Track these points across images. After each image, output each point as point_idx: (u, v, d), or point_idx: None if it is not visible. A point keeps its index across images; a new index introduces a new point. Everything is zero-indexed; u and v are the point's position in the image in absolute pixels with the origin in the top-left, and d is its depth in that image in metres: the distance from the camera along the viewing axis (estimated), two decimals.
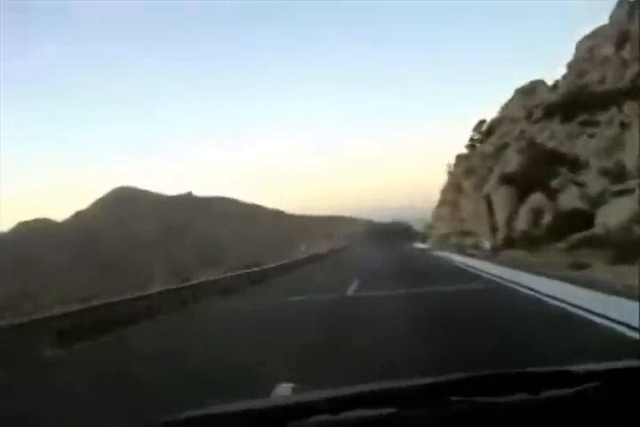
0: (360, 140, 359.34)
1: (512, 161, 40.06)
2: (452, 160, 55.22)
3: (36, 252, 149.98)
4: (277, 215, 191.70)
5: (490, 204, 35.09)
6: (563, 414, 1.27)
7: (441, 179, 68.06)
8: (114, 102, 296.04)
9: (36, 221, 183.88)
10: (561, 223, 27.24)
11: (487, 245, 28.74)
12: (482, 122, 53.08)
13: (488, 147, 46.44)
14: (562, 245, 22.87)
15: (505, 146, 43.89)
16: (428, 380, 1.41)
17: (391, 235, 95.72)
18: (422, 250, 44.06)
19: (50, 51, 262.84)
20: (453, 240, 40.42)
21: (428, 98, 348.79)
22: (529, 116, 46.86)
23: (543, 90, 50.62)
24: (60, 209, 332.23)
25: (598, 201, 28.74)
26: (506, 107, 51.80)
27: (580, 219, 26.75)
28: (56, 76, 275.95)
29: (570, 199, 29.92)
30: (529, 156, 39.18)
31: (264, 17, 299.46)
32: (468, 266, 22.97)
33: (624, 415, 1.26)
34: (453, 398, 1.27)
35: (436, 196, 61.56)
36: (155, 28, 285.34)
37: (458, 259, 27.73)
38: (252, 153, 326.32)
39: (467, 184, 42.90)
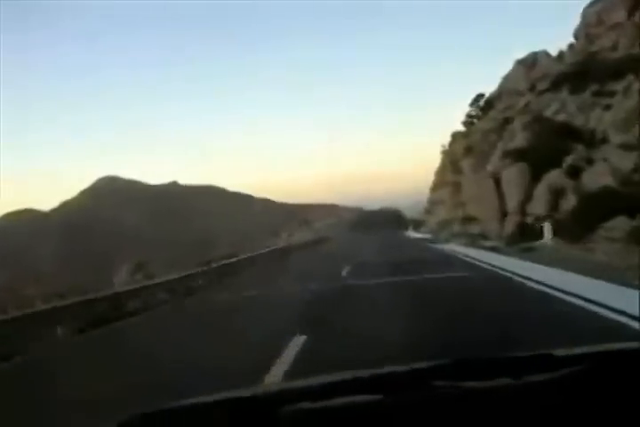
0: (349, 126, 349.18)
1: (518, 137, 34.58)
2: (446, 140, 49.95)
3: (22, 242, 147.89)
4: (265, 204, 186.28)
5: (498, 184, 29.46)
6: (546, 398, 1.25)
7: (434, 161, 62.89)
8: (99, 92, 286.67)
9: (23, 211, 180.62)
10: (590, 206, 21.66)
11: (549, 234, 20.22)
12: (480, 96, 47.41)
13: (489, 122, 40.86)
14: (610, 234, 17.29)
15: (508, 120, 38.37)
16: (413, 366, 1.41)
17: (380, 222, 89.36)
18: (420, 241, 35.32)
19: (34, 41, 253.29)
20: (456, 228, 34.59)
21: (418, 76, 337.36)
22: (532, 89, 41.28)
23: (546, 60, 45.05)
24: (47, 199, 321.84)
25: (631, 179, 23.28)
26: (505, 80, 46.16)
27: (614, 200, 21.21)
28: (43, 67, 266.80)
29: (597, 177, 24.38)
30: (536, 130, 33.73)
31: (258, 12, 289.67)
32: (520, 275, 12.84)
33: (608, 398, 1.24)
34: (438, 383, 1.27)
35: (429, 181, 55.95)
36: (141, 19, 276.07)
37: (480, 257, 18.28)
38: (238, 140, 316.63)
39: (466, 164, 37.40)
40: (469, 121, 47.15)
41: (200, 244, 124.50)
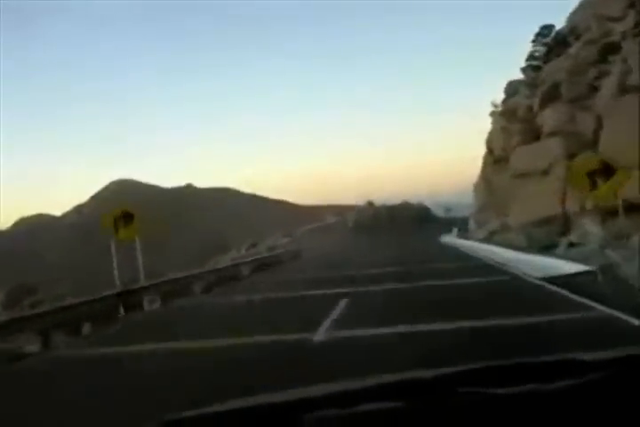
0: (369, 111, 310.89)
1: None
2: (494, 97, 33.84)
3: (36, 247, 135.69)
4: (279, 205, 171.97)
5: None
6: (573, 403, 1.17)
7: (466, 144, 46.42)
8: (111, 93, 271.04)
9: (36, 216, 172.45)
10: None
11: None
12: (546, 28, 31.17)
13: (573, 58, 25.05)
14: None
15: (610, 49, 22.65)
16: (437, 371, 1.33)
17: (397, 223, 63.50)
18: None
19: (45, 43, 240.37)
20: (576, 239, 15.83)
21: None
22: (633, 6, 25.48)
23: None
24: (60, 204, 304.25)
25: None
26: (584, 7, 30.27)
27: None
28: (53, 70, 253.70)
29: None
30: None
31: (270, 16, 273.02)
32: None
33: (636, 404, 1.16)
34: (463, 389, 1.20)
35: (459, 177, 38.09)
36: (153, 22, 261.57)
37: None
38: (254, 140, 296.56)
39: (552, 115, 21.72)
40: (535, 65, 31.16)
41: (203, 250, 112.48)
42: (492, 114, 31.12)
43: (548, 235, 18.03)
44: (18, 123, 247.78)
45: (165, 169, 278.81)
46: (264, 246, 38.64)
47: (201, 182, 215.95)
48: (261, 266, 22.92)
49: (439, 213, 77.17)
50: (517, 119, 25.56)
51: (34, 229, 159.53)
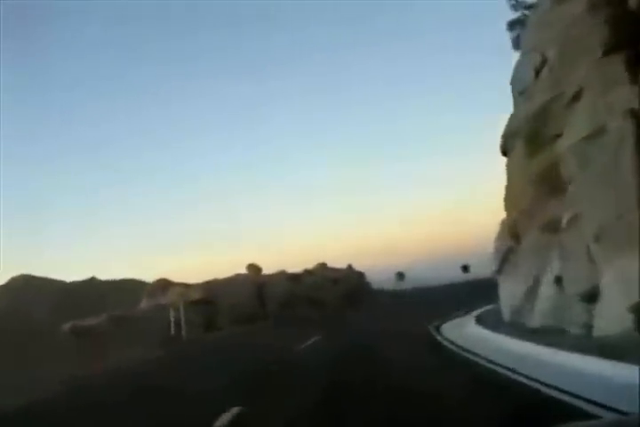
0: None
1: None
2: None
3: None
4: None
5: None
6: None
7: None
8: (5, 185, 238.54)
9: None
10: None
11: None
12: None
13: None
14: None
15: None
16: None
17: (308, 309, 35.72)
18: None
19: None
20: None
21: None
22: None
23: None
24: None
25: None
26: None
27: None
28: None
29: None
30: None
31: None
32: None
33: None
34: None
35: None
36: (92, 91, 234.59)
37: None
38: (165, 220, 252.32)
39: None
40: None
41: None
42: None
43: None
44: None
45: (68, 263, 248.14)
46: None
47: (106, 275, 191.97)
48: None
49: (384, 284, 51.60)
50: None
51: None
